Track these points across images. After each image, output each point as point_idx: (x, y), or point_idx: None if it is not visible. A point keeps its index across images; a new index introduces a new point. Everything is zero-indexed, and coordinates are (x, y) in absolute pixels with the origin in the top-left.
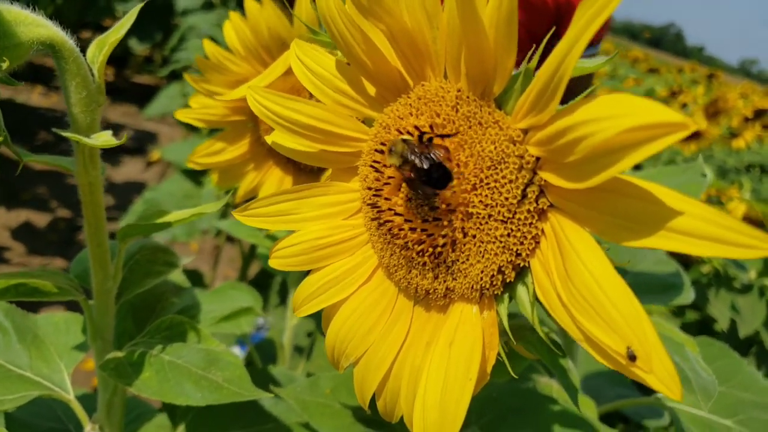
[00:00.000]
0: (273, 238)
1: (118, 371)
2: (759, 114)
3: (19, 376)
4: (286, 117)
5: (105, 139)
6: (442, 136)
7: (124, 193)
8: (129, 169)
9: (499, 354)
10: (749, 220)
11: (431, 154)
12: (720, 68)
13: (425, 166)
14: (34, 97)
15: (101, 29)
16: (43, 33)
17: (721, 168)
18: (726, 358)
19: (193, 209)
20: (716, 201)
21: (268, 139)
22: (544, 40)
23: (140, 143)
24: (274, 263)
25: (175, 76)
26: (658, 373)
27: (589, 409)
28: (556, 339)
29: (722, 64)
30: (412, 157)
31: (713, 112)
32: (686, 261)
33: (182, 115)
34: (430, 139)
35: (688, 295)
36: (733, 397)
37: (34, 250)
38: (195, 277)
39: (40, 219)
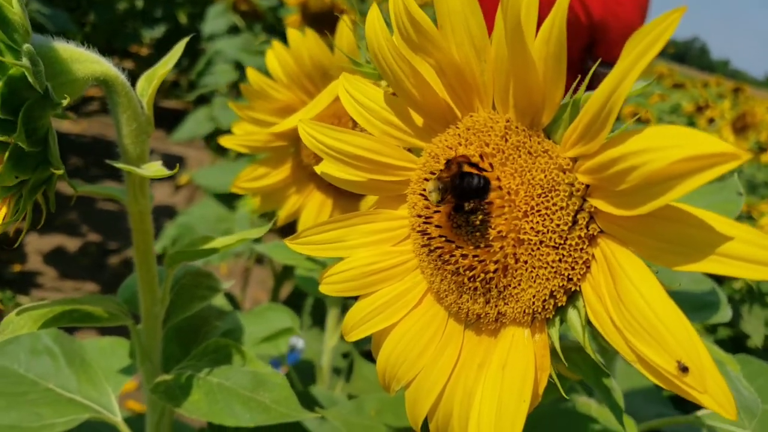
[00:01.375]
0: (312, 260)
1: (168, 394)
2: None
3: (69, 399)
4: (336, 148)
5: (156, 169)
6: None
7: (154, 217)
8: (158, 193)
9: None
10: None
11: (459, 171)
12: (746, 82)
13: (458, 182)
14: (65, 123)
15: (128, 55)
16: (98, 69)
17: (751, 183)
18: (766, 376)
19: (238, 235)
20: (747, 217)
21: (317, 169)
22: (591, 70)
23: (168, 167)
24: (325, 289)
25: (202, 100)
26: (713, 393)
27: (630, 427)
28: (599, 359)
29: (748, 77)
30: (446, 183)
31: (741, 126)
32: (719, 277)
33: (227, 142)
34: (459, 164)
35: (725, 313)
36: None
37: (65, 274)
38: (229, 300)
39: (72, 244)
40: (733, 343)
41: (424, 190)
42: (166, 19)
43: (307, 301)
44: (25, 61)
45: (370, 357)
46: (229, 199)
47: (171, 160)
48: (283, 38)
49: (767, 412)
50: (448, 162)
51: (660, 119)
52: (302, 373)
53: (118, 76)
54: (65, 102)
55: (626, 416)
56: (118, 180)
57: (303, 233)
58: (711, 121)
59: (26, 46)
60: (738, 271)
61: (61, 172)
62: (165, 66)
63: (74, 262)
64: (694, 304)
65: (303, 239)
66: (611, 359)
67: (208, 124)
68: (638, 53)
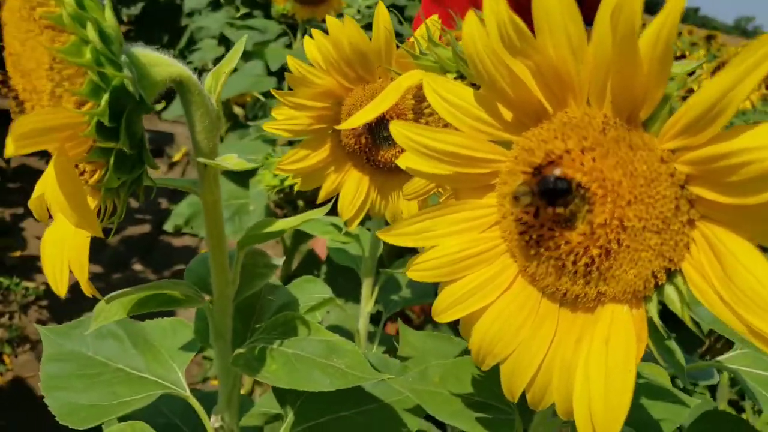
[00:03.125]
0: (348, 234)
1: (248, 365)
2: None
3: (140, 378)
4: (428, 146)
5: (236, 162)
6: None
7: (153, 196)
8: (151, 172)
9: None
10: None
11: (545, 178)
12: (716, 29)
13: (542, 189)
14: None
15: None
16: (174, 71)
17: None
18: None
19: (301, 216)
20: None
21: (401, 163)
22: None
23: (158, 145)
24: (414, 275)
25: None
26: None
27: (663, 377)
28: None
29: (718, 24)
30: (533, 188)
31: None
32: None
33: (269, 127)
34: (539, 170)
35: None
36: None
37: None
38: None
39: None
40: None
41: (522, 185)
42: None
43: (320, 272)
44: (126, 71)
45: (407, 323)
46: (239, 176)
47: (160, 138)
48: (264, 11)
49: None
50: (537, 169)
51: None
52: None
53: (191, 76)
54: (159, 106)
55: (658, 366)
56: None
57: (395, 226)
58: (691, 72)
59: (123, 58)
60: None
61: (158, 169)
62: (229, 64)
63: None
64: None
65: (396, 231)
66: None
67: None
68: (755, 61)
